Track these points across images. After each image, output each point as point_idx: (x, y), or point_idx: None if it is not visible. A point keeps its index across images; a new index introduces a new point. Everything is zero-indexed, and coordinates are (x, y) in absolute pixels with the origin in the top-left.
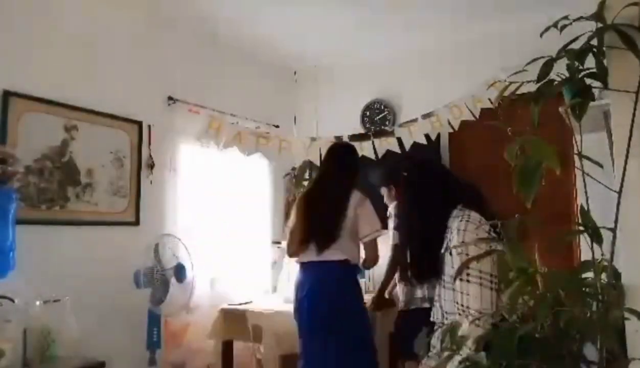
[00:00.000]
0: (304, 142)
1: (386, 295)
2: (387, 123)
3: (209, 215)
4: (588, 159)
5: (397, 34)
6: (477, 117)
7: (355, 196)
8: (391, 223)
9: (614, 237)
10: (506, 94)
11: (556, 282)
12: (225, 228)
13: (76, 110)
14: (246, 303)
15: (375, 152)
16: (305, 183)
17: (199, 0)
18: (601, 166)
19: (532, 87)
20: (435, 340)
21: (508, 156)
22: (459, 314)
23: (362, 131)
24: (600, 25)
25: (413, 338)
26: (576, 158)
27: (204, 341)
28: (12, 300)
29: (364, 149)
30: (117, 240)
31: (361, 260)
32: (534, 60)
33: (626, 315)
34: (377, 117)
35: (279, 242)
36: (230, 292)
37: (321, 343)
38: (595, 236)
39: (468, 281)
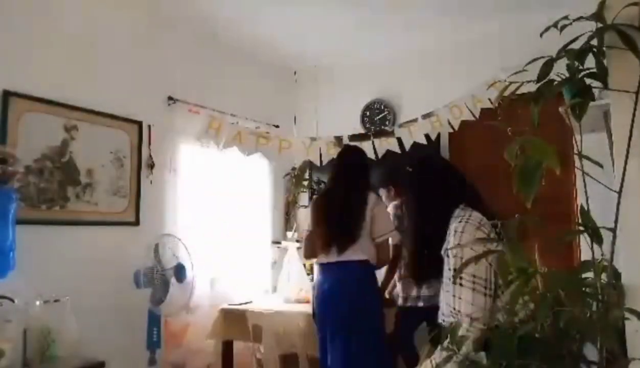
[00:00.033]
0: (304, 142)
1: (386, 295)
2: (387, 123)
3: (209, 215)
4: (588, 159)
5: (397, 34)
6: (477, 117)
7: (372, 197)
8: None
9: (614, 237)
10: (506, 94)
11: (556, 282)
12: (225, 228)
13: (76, 110)
14: (246, 303)
15: (375, 152)
16: (305, 183)
17: (199, 0)
18: (601, 166)
19: (532, 87)
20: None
21: (508, 156)
22: (452, 317)
23: (362, 131)
24: (600, 25)
25: (408, 335)
26: (576, 158)
27: (203, 341)
28: (12, 300)
29: (364, 149)
30: (117, 240)
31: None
32: (534, 60)
33: (626, 315)
34: (377, 117)
35: (279, 242)
36: (230, 292)
37: (342, 343)
38: (595, 236)
39: (461, 285)
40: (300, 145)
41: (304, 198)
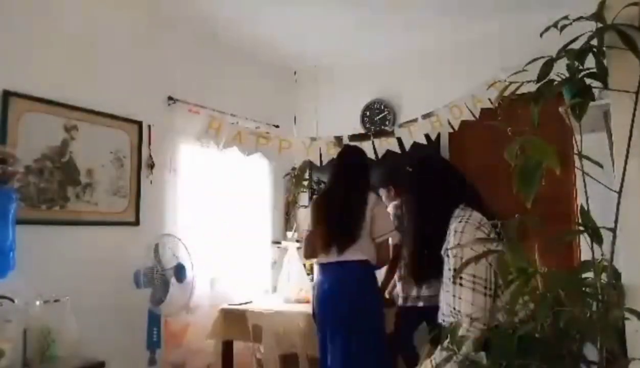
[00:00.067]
0: (304, 142)
1: (386, 295)
2: (387, 123)
3: (209, 215)
4: (588, 159)
5: (397, 34)
6: (477, 117)
7: (372, 197)
8: None
9: (614, 237)
10: (506, 94)
11: (556, 282)
12: (225, 228)
13: (76, 110)
14: (246, 303)
15: (375, 152)
16: (305, 183)
17: (199, 0)
18: (601, 166)
19: (532, 87)
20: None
21: (508, 156)
22: (452, 317)
23: (362, 131)
24: (600, 25)
25: (408, 335)
26: (576, 158)
27: (203, 341)
28: (12, 300)
29: (364, 149)
30: (117, 240)
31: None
32: (534, 60)
33: (626, 315)
34: (377, 117)
35: (279, 242)
36: (230, 292)
37: (343, 343)
38: (595, 236)
39: (461, 285)
40: (300, 145)
41: (304, 198)
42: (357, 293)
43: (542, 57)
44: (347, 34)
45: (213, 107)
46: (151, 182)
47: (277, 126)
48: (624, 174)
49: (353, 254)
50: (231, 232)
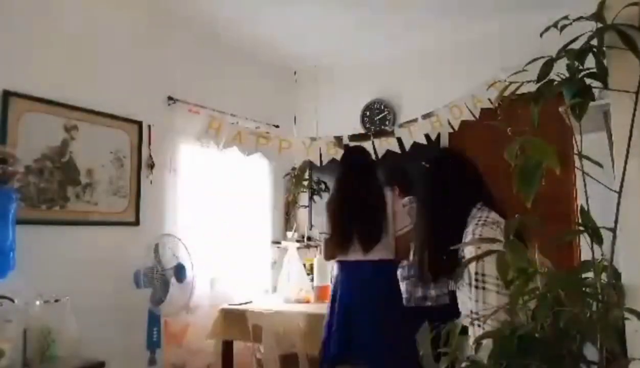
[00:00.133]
0: (304, 142)
1: None
2: (387, 123)
3: (209, 215)
4: (588, 159)
5: (397, 34)
6: (477, 117)
7: (388, 194)
8: None
9: (614, 237)
10: (506, 94)
11: (556, 282)
12: (225, 228)
13: (76, 110)
14: (246, 303)
15: (376, 152)
16: (305, 183)
17: (199, 0)
18: (601, 166)
19: (532, 87)
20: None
21: (508, 156)
22: (472, 324)
23: (362, 131)
24: (600, 25)
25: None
26: (576, 158)
27: (203, 341)
28: (12, 300)
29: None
30: (117, 240)
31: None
32: (534, 60)
33: (626, 315)
34: (377, 117)
35: (279, 242)
36: (230, 292)
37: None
38: (595, 236)
39: (484, 288)
40: (300, 145)
41: (304, 198)
42: (387, 291)
43: (542, 57)
44: (347, 34)
45: (213, 107)
46: (151, 182)
47: (277, 126)
48: (624, 174)
49: (378, 253)
50: (231, 232)
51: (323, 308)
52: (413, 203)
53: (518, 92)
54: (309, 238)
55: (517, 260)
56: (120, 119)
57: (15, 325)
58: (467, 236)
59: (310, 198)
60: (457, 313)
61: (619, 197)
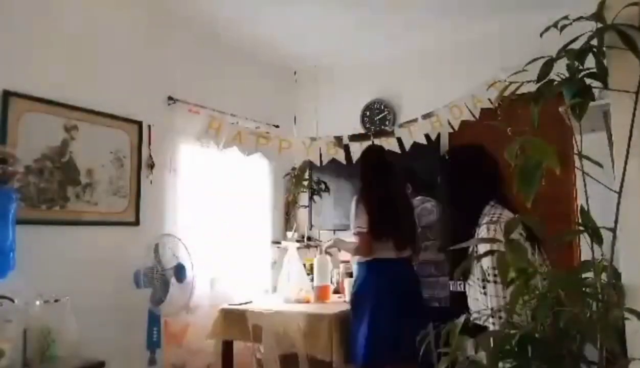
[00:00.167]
0: (304, 142)
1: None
2: (387, 123)
3: (209, 215)
4: (588, 159)
5: (397, 34)
6: (477, 117)
7: (413, 199)
8: None
9: (614, 237)
10: (506, 94)
11: (556, 282)
12: (225, 228)
13: (76, 110)
14: (246, 303)
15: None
16: (305, 183)
17: (199, 0)
18: (601, 166)
19: (532, 87)
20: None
21: (508, 156)
22: (483, 315)
23: (362, 131)
24: (600, 25)
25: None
26: (576, 158)
27: (203, 341)
28: (12, 300)
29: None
30: (117, 240)
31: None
32: (534, 60)
33: (626, 315)
34: (377, 117)
35: (279, 242)
36: (230, 292)
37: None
38: (595, 236)
39: (495, 282)
40: (300, 145)
41: (304, 198)
42: (419, 288)
43: (542, 57)
44: (347, 34)
45: (213, 107)
46: (151, 182)
47: (277, 126)
48: (624, 174)
49: (406, 251)
50: (231, 232)
51: (323, 308)
52: (425, 203)
53: (518, 92)
54: (309, 238)
55: (517, 260)
56: (120, 119)
57: (15, 325)
58: (481, 233)
59: (310, 198)
60: (458, 314)
61: (619, 197)
